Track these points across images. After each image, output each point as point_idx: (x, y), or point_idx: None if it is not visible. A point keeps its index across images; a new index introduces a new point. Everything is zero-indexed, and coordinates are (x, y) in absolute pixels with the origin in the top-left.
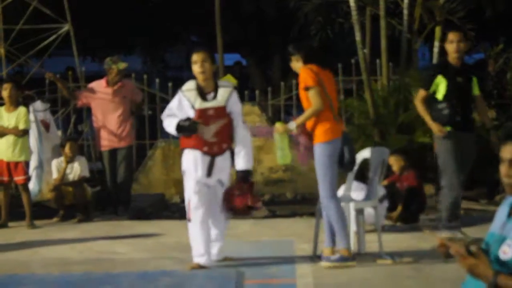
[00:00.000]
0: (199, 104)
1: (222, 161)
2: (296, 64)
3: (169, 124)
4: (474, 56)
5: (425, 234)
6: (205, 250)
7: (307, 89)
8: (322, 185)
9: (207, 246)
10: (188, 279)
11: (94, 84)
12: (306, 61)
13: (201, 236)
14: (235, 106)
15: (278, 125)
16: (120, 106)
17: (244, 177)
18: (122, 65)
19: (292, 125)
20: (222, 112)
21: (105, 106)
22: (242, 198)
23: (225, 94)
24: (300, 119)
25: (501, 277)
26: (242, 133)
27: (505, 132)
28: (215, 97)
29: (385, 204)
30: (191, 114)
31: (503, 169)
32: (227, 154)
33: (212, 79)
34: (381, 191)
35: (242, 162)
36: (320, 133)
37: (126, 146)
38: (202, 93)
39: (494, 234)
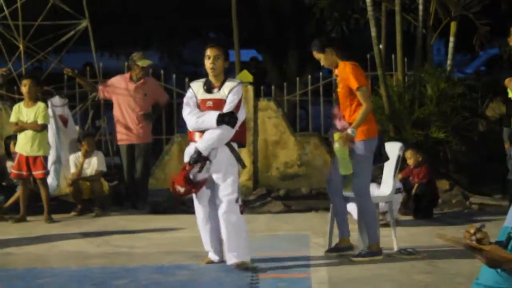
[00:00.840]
0: (201, 95)
1: (216, 155)
2: (330, 58)
3: (204, 119)
4: (489, 51)
5: (436, 238)
6: (210, 246)
7: (359, 88)
8: (359, 179)
9: (211, 242)
10: (204, 273)
11: (117, 78)
12: (343, 56)
13: (203, 233)
14: (231, 96)
15: (339, 136)
16: (140, 103)
17: (193, 155)
18: (146, 63)
19: (353, 132)
20: (221, 104)
21: (125, 101)
22: (178, 176)
23: (228, 88)
24: (356, 122)
25: None
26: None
27: None
28: (219, 91)
29: (399, 197)
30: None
31: None
32: (223, 150)
33: (222, 76)
34: (396, 185)
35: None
36: (363, 131)
37: (144, 143)
38: (208, 87)
39: (507, 228)
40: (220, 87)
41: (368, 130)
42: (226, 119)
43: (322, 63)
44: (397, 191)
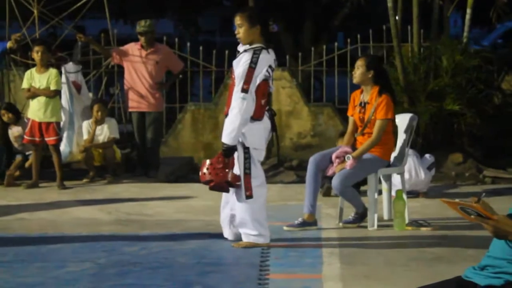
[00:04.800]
0: None
1: None
2: (366, 75)
3: None
4: (507, 24)
5: (442, 201)
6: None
7: (385, 120)
8: (343, 178)
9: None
10: (216, 242)
11: (130, 45)
12: (386, 90)
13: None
14: (237, 69)
15: (400, 194)
16: (152, 71)
17: (223, 150)
18: (139, 28)
19: (348, 158)
20: (232, 74)
21: (137, 68)
22: (220, 173)
23: (239, 56)
24: (359, 151)
25: None
26: (233, 101)
27: None
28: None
29: (433, 172)
30: None
31: None
32: None
33: (248, 43)
34: (430, 159)
35: (223, 134)
36: (383, 150)
37: (155, 111)
38: None
39: None
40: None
41: (385, 150)
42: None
43: (358, 75)
44: (431, 166)
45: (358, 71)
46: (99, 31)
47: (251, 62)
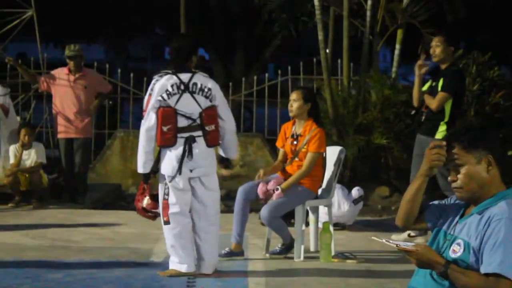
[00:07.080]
0: None
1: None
2: (304, 108)
3: None
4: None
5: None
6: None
7: (317, 153)
8: (272, 207)
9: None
10: (142, 270)
11: (58, 70)
12: (319, 124)
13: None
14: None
15: (327, 226)
16: (80, 95)
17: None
18: (69, 52)
19: (276, 189)
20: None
21: (64, 94)
22: (138, 200)
23: None
24: (288, 183)
25: (452, 267)
26: None
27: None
28: None
29: (360, 206)
30: None
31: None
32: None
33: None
34: (358, 193)
35: None
36: (311, 182)
37: (83, 137)
38: None
39: (439, 230)
40: None
41: (313, 182)
42: None
43: (296, 108)
44: (358, 199)
45: (296, 104)
46: (17, 54)
47: (150, 89)
